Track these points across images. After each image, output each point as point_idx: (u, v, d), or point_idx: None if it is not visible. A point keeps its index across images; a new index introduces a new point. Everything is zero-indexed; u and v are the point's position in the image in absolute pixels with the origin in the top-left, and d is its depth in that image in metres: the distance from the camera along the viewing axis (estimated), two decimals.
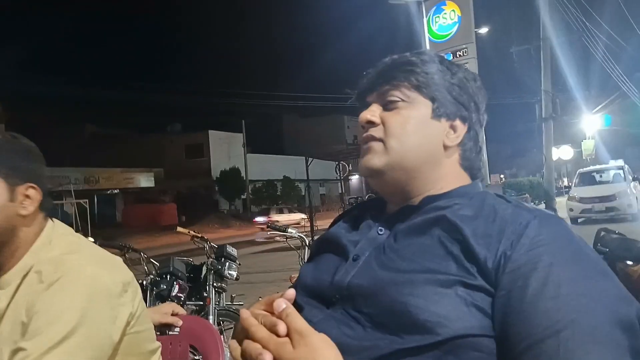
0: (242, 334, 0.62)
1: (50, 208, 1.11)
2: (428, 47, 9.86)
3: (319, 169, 30.84)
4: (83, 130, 39.58)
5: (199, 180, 35.45)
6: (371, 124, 0.79)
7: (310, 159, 15.31)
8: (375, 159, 0.77)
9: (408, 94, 0.78)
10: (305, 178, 15.83)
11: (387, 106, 0.79)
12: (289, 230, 3.44)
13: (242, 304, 3.52)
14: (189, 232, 3.62)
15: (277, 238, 3.79)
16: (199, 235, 3.66)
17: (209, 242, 3.61)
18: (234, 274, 3.51)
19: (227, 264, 3.48)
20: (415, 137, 0.77)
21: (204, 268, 3.41)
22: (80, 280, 0.97)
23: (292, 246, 3.64)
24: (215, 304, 3.31)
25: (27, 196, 1.05)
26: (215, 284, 3.37)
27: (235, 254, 3.61)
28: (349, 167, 16.39)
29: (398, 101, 0.78)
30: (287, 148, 47.97)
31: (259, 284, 7.46)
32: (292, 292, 0.65)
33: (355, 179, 40.66)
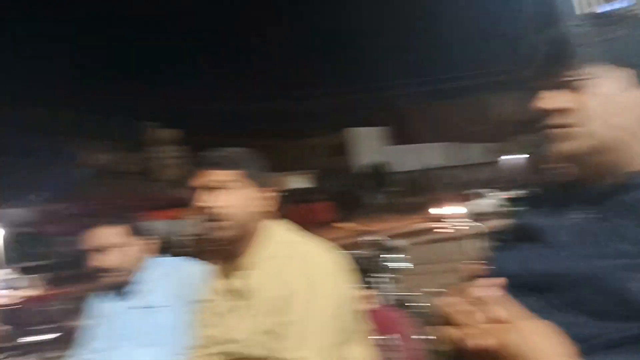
0: (446, 319, 0.63)
1: (277, 208, 1.36)
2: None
3: (466, 153, 29.34)
4: (251, 142, 43.62)
5: (349, 178, 36.61)
6: (560, 110, 0.72)
7: (456, 144, 14.70)
8: (574, 145, 0.71)
9: (596, 69, 0.70)
10: (452, 165, 15.23)
11: (576, 86, 0.71)
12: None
13: (416, 294, 3.54)
14: (351, 227, 3.81)
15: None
16: (361, 228, 3.82)
17: (372, 235, 3.74)
18: (401, 265, 3.59)
19: (393, 255, 3.58)
20: (618, 115, 0.69)
21: (370, 260, 3.54)
22: (317, 264, 1.21)
23: (464, 235, 3.58)
24: (386, 295, 3.40)
25: (265, 198, 1.32)
26: (382, 275, 3.48)
27: (401, 246, 3.69)
28: (500, 148, 15.30)
29: (588, 79, 0.70)
30: (429, 136, 46.71)
31: (425, 275, 7.40)
32: (497, 280, 0.64)
33: (509, 160, 37.80)
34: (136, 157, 42.44)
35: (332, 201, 32.03)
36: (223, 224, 1.24)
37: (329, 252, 1.26)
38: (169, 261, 1.79)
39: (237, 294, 1.27)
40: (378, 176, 34.77)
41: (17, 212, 24.79)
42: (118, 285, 1.70)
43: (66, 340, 4.82)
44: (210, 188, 1.25)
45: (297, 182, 33.30)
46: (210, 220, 1.24)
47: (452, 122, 41.16)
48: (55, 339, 5.16)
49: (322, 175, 36.32)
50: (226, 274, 1.32)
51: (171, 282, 1.67)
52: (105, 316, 1.71)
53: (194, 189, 1.27)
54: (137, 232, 1.73)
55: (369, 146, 37.84)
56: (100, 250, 1.64)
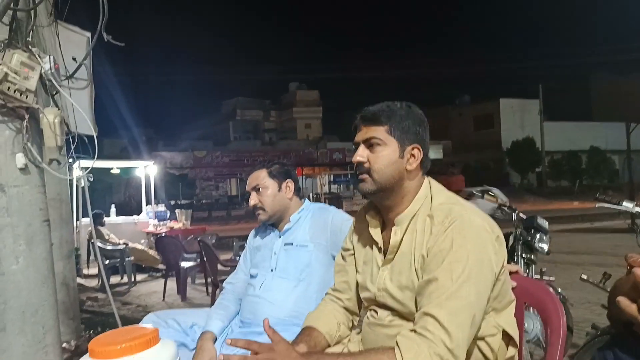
0: (636, 293, 0.68)
1: (428, 167, 1.32)
2: None
3: None
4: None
5: (488, 153, 34.33)
6: None
7: (632, 125, 12.76)
8: None
9: None
10: (621, 148, 13.30)
11: None
12: (624, 204, 2.87)
13: (552, 280, 3.22)
14: (496, 200, 3.50)
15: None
16: (507, 204, 3.50)
17: (518, 212, 3.42)
18: (545, 247, 3.24)
19: (538, 235, 3.24)
20: None
21: (511, 238, 3.26)
22: (470, 228, 1.15)
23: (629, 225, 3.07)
24: (525, 272, 3.12)
25: (413, 155, 1.27)
26: (524, 255, 3.19)
27: (547, 226, 3.31)
28: None
29: None
30: (596, 113, 40.89)
31: (562, 265, 6.76)
32: None
33: None
34: (282, 116, 45.08)
35: (468, 176, 30.64)
36: (366, 177, 1.27)
37: (484, 217, 1.21)
38: (318, 206, 1.91)
39: (384, 246, 1.30)
40: (524, 154, 31.85)
41: (170, 156, 28.24)
42: (270, 222, 1.88)
43: (205, 267, 5.36)
44: (362, 143, 1.29)
45: (434, 152, 32.28)
46: (359, 173, 1.29)
47: (633, 99, 34.40)
48: (195, 265, 5.74)
49: (461, 148, 34.60)
50: (375, 226, 1.34)
51: (316, 226, 1.80)
52: (256, 248, 1.92)
53: (355, 144, 1.32)
54: (288, 176, 1.88)
55: (518, 120, 34.71)
56: (256, 189, 1.85)
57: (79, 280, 6.23)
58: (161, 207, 9.03)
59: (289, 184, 1.86)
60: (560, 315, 1.30)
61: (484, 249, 1.13)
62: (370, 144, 1.27)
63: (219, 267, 4.66)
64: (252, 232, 2.00)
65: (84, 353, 1.01)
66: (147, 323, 1.71)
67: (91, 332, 4.07)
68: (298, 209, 1.87)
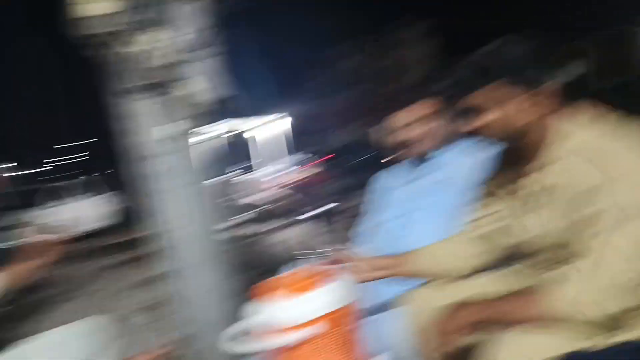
0: None
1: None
2: None
3: None
4: None
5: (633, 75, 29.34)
6: None
7: None
8: None
9: None
10: None
11: None
12: None
13: None
14: None
15: None
16: None
17: None
18: None
19: None
20: None
21: None
22: (626, 160, 1.00)
23: None
24: None
25: (546, 98, 1.09)
26: None
27: None
28: None
29: None
30: None
31: None
32: None
33: None
34: (383, 58, 42.94)
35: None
36: (491, 139, 1.15)
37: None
38: (466, 143, 1.76)
39: (530, 191, 1.17)
40: None
41: (298, 108, 29.19)
42: (415, 158, 1.79)
43: (338, 213, 5.56)
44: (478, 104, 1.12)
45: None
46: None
47: None
48: (327, 211, 6.06)
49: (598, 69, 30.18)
50: (516, 174, 1.20)
51: (464, 162, 1.67)
52: (393, 188, 1.84)
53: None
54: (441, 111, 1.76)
55: None
56: (407, 125, 1.74)
57: None
58: (295, 158, 9.62)
59: (442, 120, 1.76)
60: None
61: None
62: (488, 102, 1.11)
63: None
64: (381, 174, 1.94)
65: None
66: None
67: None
68: (444, 145, 1.76)
